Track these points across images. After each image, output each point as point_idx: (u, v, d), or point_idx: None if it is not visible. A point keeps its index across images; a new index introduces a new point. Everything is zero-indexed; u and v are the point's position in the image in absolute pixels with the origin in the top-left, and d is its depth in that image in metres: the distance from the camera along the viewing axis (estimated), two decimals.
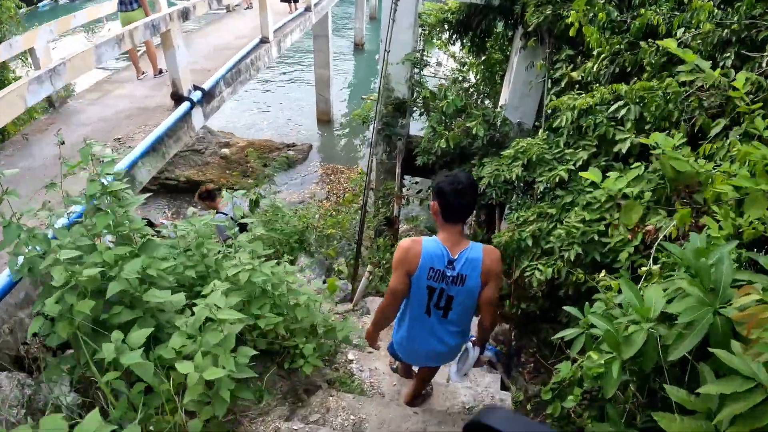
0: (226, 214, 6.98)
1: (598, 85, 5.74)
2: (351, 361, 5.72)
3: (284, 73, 27.69)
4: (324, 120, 21.79)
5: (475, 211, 8.07)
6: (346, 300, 7.74)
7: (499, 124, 8.16)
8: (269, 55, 12.47)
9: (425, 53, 9.65)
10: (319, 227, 10.09)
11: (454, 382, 4.89)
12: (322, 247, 9.69)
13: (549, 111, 6.53)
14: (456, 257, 3.20)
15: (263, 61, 12.11)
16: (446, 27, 9.73)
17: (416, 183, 10.37)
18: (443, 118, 8.50)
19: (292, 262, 8.42)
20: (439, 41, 10.63)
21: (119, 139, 7.92)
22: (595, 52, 5.87)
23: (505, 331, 6.76)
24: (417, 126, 10.55)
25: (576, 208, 4.94)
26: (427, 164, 8.61)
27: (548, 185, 5.67)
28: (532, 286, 5.15)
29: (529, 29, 7.61)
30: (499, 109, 8.54)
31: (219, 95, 10.07)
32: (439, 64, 12.20)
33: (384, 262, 8.50)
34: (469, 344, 3.99)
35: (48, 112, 9.46)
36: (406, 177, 10.55)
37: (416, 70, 9.45)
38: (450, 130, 8.15)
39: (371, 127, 9.23)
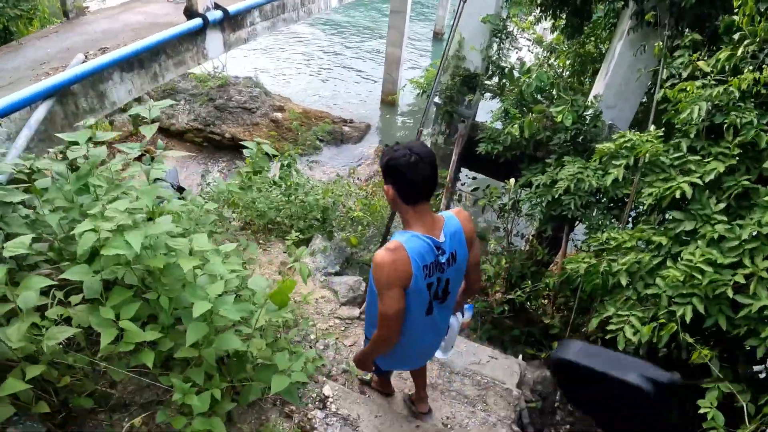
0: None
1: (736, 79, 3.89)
2: (326, 399, 4.06)
3: (354, 46, 26.71)
4: (388, 102, 20.48)
5: (538, 223, 6.21)
6: (356, 303, 6.09)
7: (589, 119, 6.26)
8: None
9: (509, 23, 7.77)
10: (347, 208, 8.49)
11: (440, 358, 4.49)
12: (344, 231, 8.08)
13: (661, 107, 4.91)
14: (442, 239, 2.76)
15: (318, 5, 10.72)
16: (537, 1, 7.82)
17: (473, 179, 8.50)
18: (521, 100, 6.66)
19: (304, 243, 7.15)
20: (522, 22, 8.70)
21: (105, 48, 6.64)
22: (737, 36, 4.16)
23: (545, 379, 5.53)
24: (484, 111, 8.64)
25: (700, 242, 3.59)
26: (490, 155, 6.86)
27: (658, 201, 3.99)
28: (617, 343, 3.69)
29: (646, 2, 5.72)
30: (593, 99, 6.58)
31: (250, 26, 8.70)
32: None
33: None
34: (452, 319, 3.47)
35: (61, 21, 8.55)
36: (463, 170, 8.75)
37: (496, 40, 7.59)
38: (527, 115, 6.29)
39: (429, 97, 7.43)
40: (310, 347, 5.02)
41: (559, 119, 5.82)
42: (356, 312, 5.91)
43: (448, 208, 7.88)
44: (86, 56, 6.17)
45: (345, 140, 17.89)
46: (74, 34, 7.42)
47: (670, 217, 3.90)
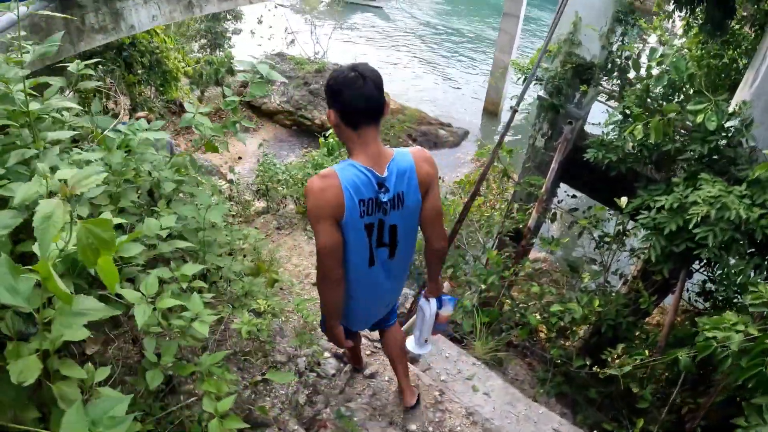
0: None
1: None
2: None
3: (461, 50, 25.54)
4: (491, 111, 19.10)
5: (653, 260, 4.54)
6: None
7: (734, 129, 4.56)
8: None
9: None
10: None
11: (415, 353, 3.45)
12: None
13: None
14: (385, 174, 2.36)
15: None
16: None
17: (573, 197, 6.87)
18: (647, 97, 5.03)
19: None
20: (647, 23, 6.93)
21: None
22: None
23: None
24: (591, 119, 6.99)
25: None
26: (599, 165, 5.25)
27: None
28: None
29: None
30: (739, 105, 4.81)
31: None
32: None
33: (482, 288, 5.28)
34: (422, 300, 3.10)
35: None
36: (562, 185, 7.15)
37: (619, 27, 5.97)
38: (653, 117, 4.63)
39: (527, 81, 5.82)
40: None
41: (698, 120, 4.15)
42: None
43: (539, 225, 6.35)
44: None
45: (439, 144, 17.00)
46: None
47: None
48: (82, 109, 3.11)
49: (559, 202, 6.68)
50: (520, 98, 5.53)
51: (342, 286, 2.60)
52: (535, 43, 25.21)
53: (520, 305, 5.61)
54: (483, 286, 5.22)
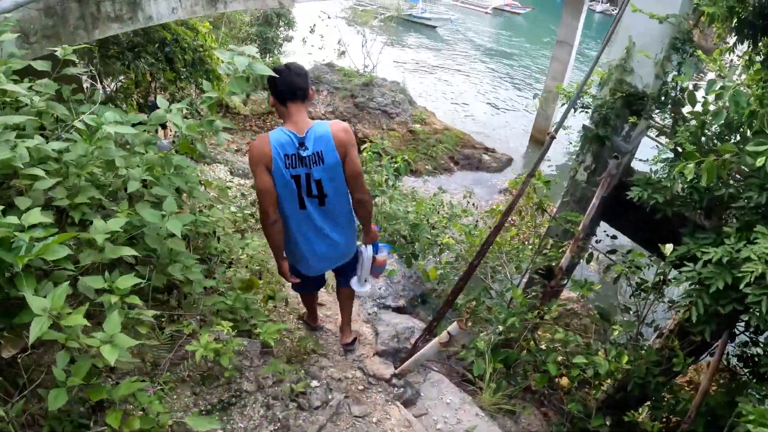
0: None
1: None
2: None
3: (512, 76, 25.27)
4: (538, 139, 18.67)
5: (695, 319, 3.93)
6: (397, 357, 4.44)
7: None
8: None
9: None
10: (437, 229, 6.66)
11: (357, 291, 4.05)
12: (427, 256, 6.27)
13: None
14: (304, 135, 3.11)
15: None
16: (734, 20, 5.40)
17: (612, 238, 6.25)
18: (701, 134, 4.46)
19: None
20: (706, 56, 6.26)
21: None
22: None
23: None
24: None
25: None
26: (643, 206, 4.70)
27: None
28: None
29: None
30: None
31: None
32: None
33: (499, 330, 4.74)
34: (362, 246, 3.77)
35: None
36: (602, 222, 6.55)
37: (675, 56, 5.40)
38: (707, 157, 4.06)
39: (571, 102, 5.25)
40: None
41: (758, 164, 3.56)
42: (389, 371, 4.08)
43: (573, 264, 5.80)
44: None
45: (482, 168, 16.65)
46: None
47: None
48: (53, 95, 2.91)
49: (597, 242, 6.08)
50: (560, 124, 4.98)
51: (278, 227, 3.28)
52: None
53: (542, 350, 5.05)
54: (501, 328, 4.69)
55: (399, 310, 5.08)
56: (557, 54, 17.43)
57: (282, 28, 17.54)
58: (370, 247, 3.76)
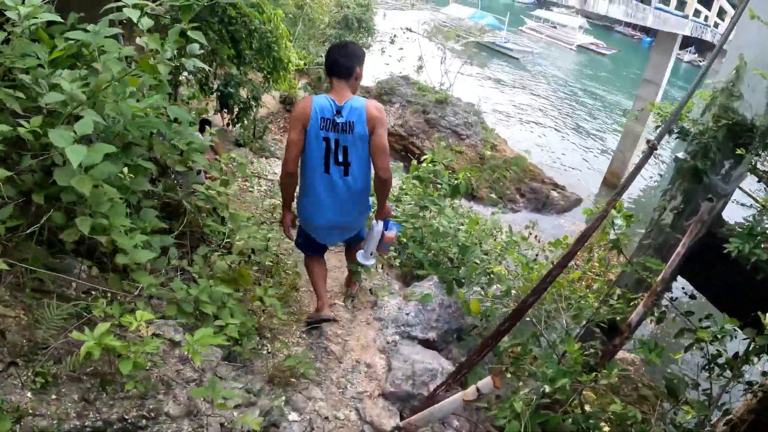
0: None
1: None
2: None
3: (593, 113, 24.32)
4: (611, 182, 17.57)
5: None
6: (407, 405, 3.49)
7: None
8: None
9: None
10: (488, 255, 5.86)
11: (362, 263, 4.04)
12: (473, 286, 5.44)
13: None
14: (342, 105, 3.40)
15: None
16: None
17: (691, 298, 5.27)
18: None
19: (413, 278, 5.45)
20: None
21: None
22: None
23: None
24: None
25: None
26: (743, 263, 3.78)
27: None
28: None
29: None
30: None
31: None
32: None
33: (544, 390, 3.82)
34: (374, 221, 3.88)
35: None
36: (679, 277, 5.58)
37: None
38: None
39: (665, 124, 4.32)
40: None
41: None
42: (392, 421, 3.29)
43: (640, 321, 4.79)
44: None
45: (548, 205, 15.63)
46: None
47: None
48: None
49: (672, 300, 5.10)
50: (662, 134, 4.02)
51: (293, 181, 3.60)
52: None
53: (590, 418, 4.10)
54: (548, 388, 3.78)
55: (426, 343, 4.24)
56: (642, 93, 16.46)
57: (361, 34, 17.01)
58: (381, 223, 3.89)
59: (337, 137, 3.41)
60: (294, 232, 4.00)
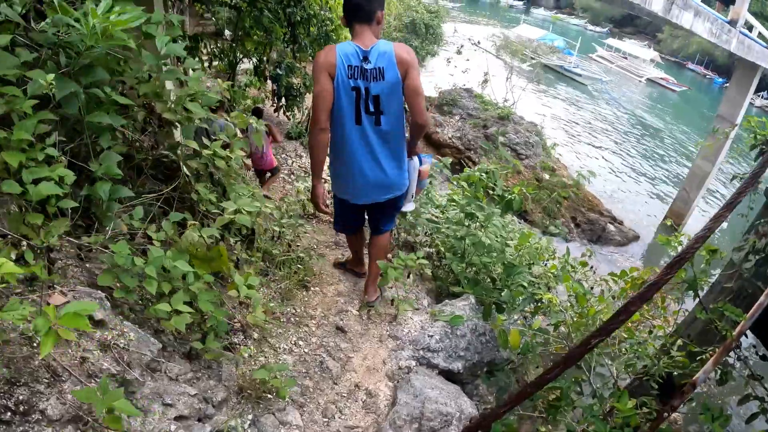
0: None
1: None
2: None
3: (658, 148, 23.19)
4: (671, 223, 15.94)
5: None
6: None
7: None
8: None
9: None
10: (542, 278, 5.14)
11: (405, 209, 4.06)
12: (515, 313, 4.78)
13: None
14: (369, 50, 3.18)
15: None
16: None
17: (762, 359, 4.39)
18: None
19: (446, 294, 4.85)
20: None
21: None
22: None
23: None
24: None
25: None
26: None
27: None
28: None
29: None
30: None
31: None
32: None
33: None
34: (408, 161, 3.73)
35: None
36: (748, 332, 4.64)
37: None
38: None
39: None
40: None
41: None
42: None
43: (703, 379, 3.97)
44: None
45: (604, 239, 14.66)
46: None
47: None
48: None
49: (742, 359, 4.26)
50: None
51: (325, 138, 3.31)
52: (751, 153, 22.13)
53: None
54: None
55: (448, 374, 3.54)
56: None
57: (428, 41, 16.42)
58: (416, 159, 3.81)
59: (367, 86, 3.20)
60: (328, 209, 3.75)
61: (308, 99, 11.33)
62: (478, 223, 5.03)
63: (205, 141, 3.44)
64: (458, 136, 15.64)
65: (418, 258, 4.02)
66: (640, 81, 38.24)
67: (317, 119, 3.21)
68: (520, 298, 4.65)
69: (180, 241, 2.69)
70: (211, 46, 8.61)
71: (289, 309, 3.75)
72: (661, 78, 39.48)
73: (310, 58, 9.38)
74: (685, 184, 16.13)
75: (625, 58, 42.27)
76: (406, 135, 3.61)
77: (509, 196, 5.16)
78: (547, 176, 15.05)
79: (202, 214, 3.15)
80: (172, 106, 2.84)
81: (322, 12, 8.82)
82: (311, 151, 3.40)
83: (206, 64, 8.33)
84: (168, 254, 2.31)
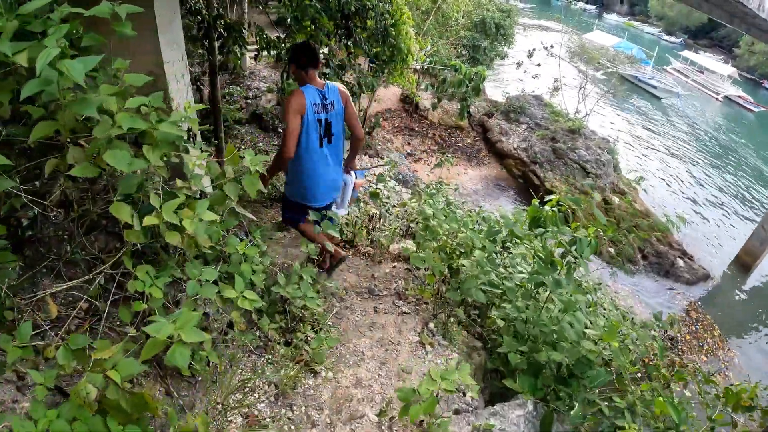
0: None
1: None
2: None
3: (736, 177, 21.08)
4: (744, 262, 14.72)
5: None
6: None
7: None
8: None
9: None
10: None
11: (339, 213, 4.59)
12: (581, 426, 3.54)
13: None
14: (324, 90, 4.01)
15: None
16: None
17: None
18: None
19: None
20: None
21: None
22: None
23: None
24: None
25: None
26: None
27: None
28: None
29: None
30: None
31: None
32: None
33: None
34: (345, 175, 4.51)
35: None
36: None
37: None
38: None
39: None
40: None
41: None
42: None
43: None
44: None
45: (672, 274, 13.19)
46: None
47: None
48: None
49: None
50: None
51: (286, 162, 4.02)
52: None
53: None
54: None
55: None
56: None
57: (498, 42, 15.00)
58: (353, 173, 4.61)
59: (326, 117, 4.02)
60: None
61: (363, 99, 10.24)
62: (547, 293, 3.93)
63: (179, 182, 2.35)
64: (524, 147, 14.45)
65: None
66: (716, 99, 35.43)
67: (288, 150, 3.92)
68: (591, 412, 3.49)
69: (78, 390, 1.60)
70: (264, 37, 7.48)
71: (284, 411, 2.79)
72: (739, 96, 36.49)
73: (366, 56, 8.23)
74: (762, 221, 14.60)
75: (701, 72, 39.34)
76: (346, 147, 4.43)
77: (586, 238, 3.85)
78: (616, 200, 13.65)
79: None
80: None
81: (380, 3, 7.57)
82: (276, 167, 4.19)
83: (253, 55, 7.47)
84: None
